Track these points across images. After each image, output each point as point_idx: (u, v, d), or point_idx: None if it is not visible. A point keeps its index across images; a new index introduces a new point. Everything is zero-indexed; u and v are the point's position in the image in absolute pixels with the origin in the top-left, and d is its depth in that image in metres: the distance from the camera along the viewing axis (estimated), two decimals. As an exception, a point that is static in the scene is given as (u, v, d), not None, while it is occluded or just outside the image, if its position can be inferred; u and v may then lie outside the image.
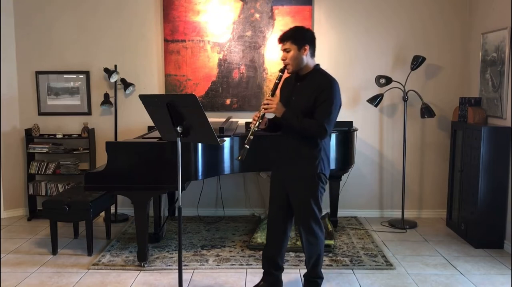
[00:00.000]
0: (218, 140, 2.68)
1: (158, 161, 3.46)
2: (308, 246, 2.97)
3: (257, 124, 2.76)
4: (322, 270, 3.45)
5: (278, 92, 2.93)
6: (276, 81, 2.82)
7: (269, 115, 2.87)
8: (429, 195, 4.99)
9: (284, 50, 2.79)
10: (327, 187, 4.52)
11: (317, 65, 2.90)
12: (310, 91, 2.78)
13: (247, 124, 4.01)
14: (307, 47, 2.80)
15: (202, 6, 4.77)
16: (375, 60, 4.82)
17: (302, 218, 2.92)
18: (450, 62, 4.82)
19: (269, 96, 2.80)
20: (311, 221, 2.90)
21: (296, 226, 3.03)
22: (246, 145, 2.74)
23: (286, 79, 2.99)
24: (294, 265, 3.61)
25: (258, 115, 2.78)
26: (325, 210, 4.71)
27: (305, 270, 3.11)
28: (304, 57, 2.80)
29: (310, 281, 3.08)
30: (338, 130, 4.22)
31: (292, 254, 3.80)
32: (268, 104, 2.75)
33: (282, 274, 3.20)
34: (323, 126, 2.73)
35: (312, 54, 2.86)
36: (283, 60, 2.82)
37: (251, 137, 2.74)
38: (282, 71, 2.83)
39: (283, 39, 2.80)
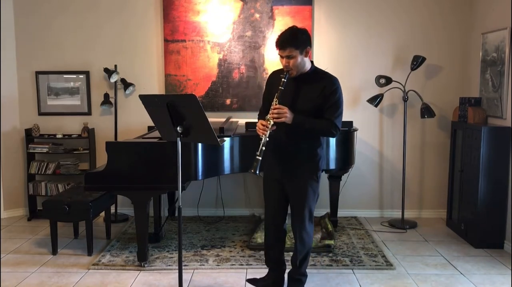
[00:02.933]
0: (218, 140, 2.68)
1: (158, 161, 3.45)
2: (300, 243, 2.96)
3: (267, 134, 2.69)
4: (323, 270, 3.46)
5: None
6: (281, 87, 2.73)
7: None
8: (429, 195, 4.99)
9: (287, 57, 2.70)
10: (327, 187, 4.58)
11: (312, 62, 2.88)
12: (316, 92, 2.76)
13: (247, 124, 4.00)
14: (309, 49, 2.76)
15: (202, 6, 4.77)
16: (375, 60, 4.82)
17: (300, 216, 2.91)
18: (450, 62, 4.82)
19: (275, 103, 2.71)
20: (307, 218, 2.92)
21: (292, 223, 3.00)
22: (258, 157, 2.65)
23: (274, 76, 2.89)
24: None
25: (267, 124, 2.68)
26: (325, 210, 4.73)
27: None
28: (306, 59, 2.78)
29: (295, 279, 3.07)
30: (338, 130, 4.22)
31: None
32: (279, 113, 2.67)
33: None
34: (335, 125, 2.76)
35: (310, 54, 2.84)
36: (286, 66, 2.72)
37: (263, 147, 2.67)
38: (285, 77, 2.74)
39: (284, 46, 2.69)
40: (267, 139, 2.69)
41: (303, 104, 2.78)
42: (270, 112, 2.71)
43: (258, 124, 2.73)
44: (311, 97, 2.77)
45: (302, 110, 2.76)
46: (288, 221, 3.09)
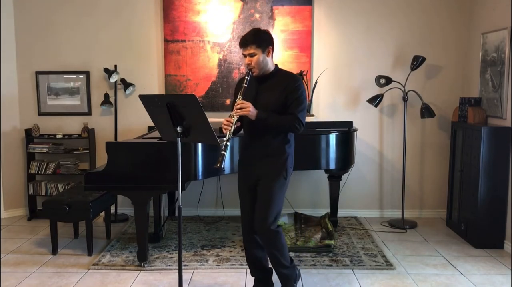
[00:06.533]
0: (218, 140, 2.68)
1: (158, 161, 3.46)
2: (270, 246, 2.88)
3: (231, 129, 2.72)
4: (323, 270, 3.44)
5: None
6: (244, 85, 2.79)
7: None
8: (429, 195, 4.99)
9: (249, 54, 2.78)
10: (327, 187, 4.58)
11: (276, 65, 2.92)
12: (279, 90, 2.80)
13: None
14: (271, 49, 2.82)
15: (202, 6, 4.77)
16: (375, 60, 4.82)
17: (264, 215, 2.81)
18: (450, 62, 4.81)
19: (239, 99, 2.76)
20: (272, 219, 2.81)
21: (254, 223, 2.89)
22: (223, 152, 2.69)
23: (239, 82, 2.95)
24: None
25: (231, 120, 2.73)
26: (325, 210, 4.73)
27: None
28: (269, 59, 2.82)
29: (283, 273, 2.95)
30: (338, 130, 4.22)
31: (292, 254, 3.79)
32: (242, 108, 2.71)
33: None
34: (299, 119, 2.77)
35: (272, 55, 2.88)
36: (248, 64, 2.80)
37: (228, 143, 2.71)
38: (248, 74, 2.81)
39: (245, 43, 2.77)
40: (231, 134, 2.72)
41: (266, 101, 2.81)
42: (234, 108, 2.75)
43: (223, 121, 2.78)
44: (274, 94, 2.81)
45: (265, 107, 2.79)
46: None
